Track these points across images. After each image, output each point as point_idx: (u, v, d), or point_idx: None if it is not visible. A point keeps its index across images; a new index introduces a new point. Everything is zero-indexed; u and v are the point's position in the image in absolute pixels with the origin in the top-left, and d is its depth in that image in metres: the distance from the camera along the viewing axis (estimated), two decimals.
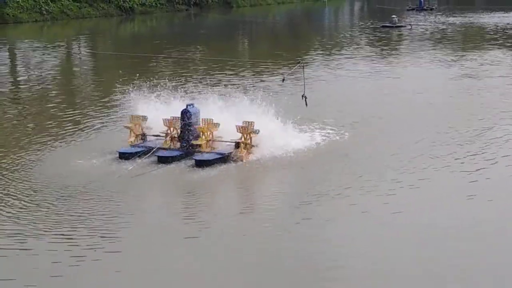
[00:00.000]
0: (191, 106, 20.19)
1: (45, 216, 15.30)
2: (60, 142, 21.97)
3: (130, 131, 20.71)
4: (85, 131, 23.52)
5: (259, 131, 19.54)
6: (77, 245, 13.72)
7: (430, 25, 66.09)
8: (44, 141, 21.96)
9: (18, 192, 16.87)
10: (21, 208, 15.81)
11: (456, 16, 76.94)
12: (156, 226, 14.91)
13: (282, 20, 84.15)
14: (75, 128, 23.95)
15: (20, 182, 17.66)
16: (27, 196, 16.58)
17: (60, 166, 19.04)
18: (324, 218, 15.13)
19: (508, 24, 65.40)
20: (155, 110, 21.25)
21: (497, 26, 63.40)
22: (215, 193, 17.66)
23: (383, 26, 62.90)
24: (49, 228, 14.60)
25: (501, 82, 32.66)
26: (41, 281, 12.37)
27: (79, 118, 25.53)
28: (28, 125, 24.76)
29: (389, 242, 13.91)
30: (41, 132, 23.30)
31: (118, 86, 27.48)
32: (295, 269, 12.71)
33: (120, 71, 30.87)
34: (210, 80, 31.19)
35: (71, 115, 26.12)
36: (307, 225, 14.82)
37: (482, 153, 20.01)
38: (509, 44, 49.00)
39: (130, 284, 12.33)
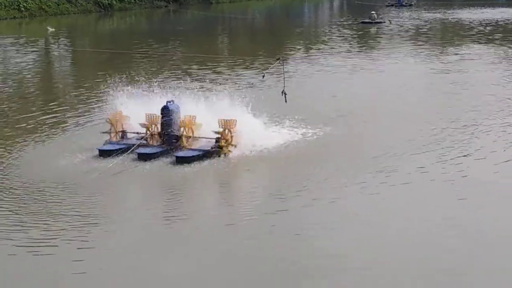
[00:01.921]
0: (171, 103, 20.15)
1: (25, 214, 15.22)
2: (39, 140, 21.83)
3: (110, 127, 20.62)
4: (64, 129, 23.40)
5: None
6: (56, 246, 13.65)
7: (409, 21, 66.40)
8: (22, 139, 21.80)
9: None
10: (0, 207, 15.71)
11: (434, 12, 77.39)
12: (136, 224, 14.87)
13: (261, 16, 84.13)
14: (54, 125, 23.80)
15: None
16: (7, 195, 16.46)
17: (40, 164, 18.93)
18: (304, 215, 15.16)
19: (485, 19, 65.84)
20: (135, 106, 21.15)
21: (475, 22, 63.81)
22: (196, 190, 17.65)
23: (362, 22, 63.08)
24: (28, 226, 14.52)
25: (480, 77, 32.86)
26: (19, 281, 12.31)
27: (58, 115, 25.38)
28: (6, 123, 24.56)
29: (369, 239, 13.97)
30: (19, 130, 23.14)
31: (97, 82, 27.37)
32: (274, 266, 12.73)
33: (108, 72, 30.62)
34: (189, 77, 31.13)
35: (49, 112, 25.95)
36: (287, 222, 14.84)
37: (462, 150, 20.10)
38: (486, 40, 49.33)
39: (107, 283, 12.28)
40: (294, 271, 12.51)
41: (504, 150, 20.07)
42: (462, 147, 20.25)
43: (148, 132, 20.27)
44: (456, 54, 41.80)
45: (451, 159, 19.10)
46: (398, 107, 25.96)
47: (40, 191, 16.71)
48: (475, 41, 48.89)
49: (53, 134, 22.70)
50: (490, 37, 51.19)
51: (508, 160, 19.10)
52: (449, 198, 16.22)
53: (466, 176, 17.74)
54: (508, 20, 65.59)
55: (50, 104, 27.73)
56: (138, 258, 13.11)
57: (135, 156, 19.26)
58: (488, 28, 58.44)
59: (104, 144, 20.19)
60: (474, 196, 16.35)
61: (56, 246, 13.61)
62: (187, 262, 12.92)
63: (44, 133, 22.70)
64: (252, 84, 30.46)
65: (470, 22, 63.96)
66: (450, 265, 12.66)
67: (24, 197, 16.36)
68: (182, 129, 19.94)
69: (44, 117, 25.09)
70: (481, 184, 17.13)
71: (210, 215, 15.65)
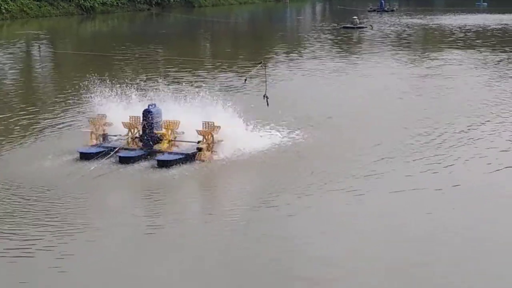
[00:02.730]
0: (153, 106, 20.09)
1: (5, 218, 15.07)
2: (19, 142, 21.67)
3: (91, 130, 20.53)
4: (44, 131, 23.25)
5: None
6: (33, 251, 13.52)
7: (390, 26, 66.74)
8: (3, 142, 21.64)
9: None
10: None
11: (416, 18, 77.84)
12: (116, 228, 14.76)
13: (244, 20, 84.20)
14: (34, 128, 23.66)
15: None
16: None
17: (19, 167, 18.77)
18: (285, 218, 15.16)
19: (466, 25, 66.28)
20: (116, 109, 21.08)
21: (456, 27, 64.24)
22: (177, 194, 17.57)
23: (344, 27, 63.30)
24: (5, 230, 14.37)
25: (461, 82, 33.06)
26: None
27: (38, 118, 25.23)
28: None
29: (349, 241, 13.99)
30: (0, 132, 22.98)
31: (78, 85, 27.21)
32: (256, 270, 12.71)
33: (89, 75, 30.43)
34: (171, 80, 31.08)
35: (29, 114, 25.79)
36: (268, 225, 14.81)
37: (444, 154, 20.20)
38: (467, 45, 49.64)
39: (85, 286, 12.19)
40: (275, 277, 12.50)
41: (491, 155, 20.12)
42: (446, 153, 20.26)
43: (129, 135, 20.20)
44: (438, 59, 42.03)
45: (437, 163, 19.17)
46: (379, 111, 26.06)
47: (18, 194, 16.56)
48: (456, 46, 49.19)
49: (32, 136, 22.54)
50: (471, 43, 51.55)
51: (495, 165, 19.13)
52: (435, 204, 16.22)
53: (454, 182, 17.78)
54: (489, 26, 66.05)
55: (30, 106, 27.57)
56: (118, 263, 13.02)
57: (116, 159, 19.17)
58: (469, 33, 58.85)
59: (85, 147, 20.07)
60: (463, 202, 16.33)
61: (33, 251, 13.43)
62: (167, 267, 12.84)
63: (23, 135, 22.53)
64: (234, 87, 30.44)
65: (451, 28, 64.39)
66: (438, 271, 12.66)
67: (1, 199, 16.18)
68: (163, 132, 19.88)
69: (23, 119, 24.93)
70: (470, 191, 17.07)
71: (190, 219, 15.58)
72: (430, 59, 41.89)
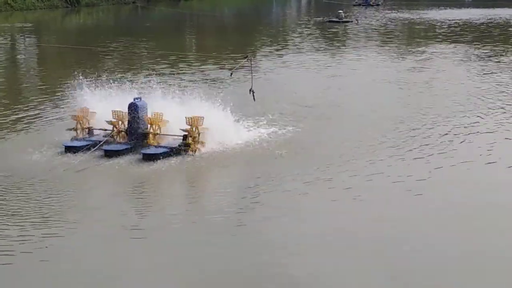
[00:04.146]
0: (138, 99, 20.04)
1: None
2: (3, 135, 21.58)
3: (77, 123, 20.46)
4: (29, 124, 23.14)
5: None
6: (16, 244, 13.47)
7: (376, 21, 66.83)
8: None
9: None
10: None
11: (401, 12, 77.98)
12: (101, 222, 14.72)
13: (229, 14, 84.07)
14: (19, 121, 23.55)
15: None
16: None
17: (2, 160, 18.71)
18: (269, 214, 15.14)
19: (451, 19, 66.47)
20: (101, 103, 21.01)
21: (441, 22, 64.44)
22: (162, 188, 17.57)
23: (329, 21, 63.31)
24: None
25: (446, 76, 33.16)
26: None
27: (23, 111, 25.11)
28: None
29: (334, 239, 14.04)
30: None
31: (63, 78, 27.13)
32: (240, 267, 12.72)
33: (74, 68, 30.25)
34: (156, 74, 30.99)
35: (15, 108, 25.68)
36: (253, 220, 14.85)
37: (430, 150, 20.25)
38: (452, 39, 49.79)
39: (67, 283, 12.12)
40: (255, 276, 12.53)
41: (476, 152, 20.15)
42: (433, 148, 20.27)
43: (115, 128, 20.14)
44: (423, 53, 42.17)
45: (422, 158, 19.24)
46: (366, 105, 26.04)
47: (3, 186, 16.50)
48: (441, 40, 49.36)
49: (17, 129, 22.45)
50: (456, 37, 51.70)
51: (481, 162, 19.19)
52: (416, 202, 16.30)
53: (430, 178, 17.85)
54: (474, 20, 66.26)
55: (14, 100, 27.46)
56: (100, 257, 12.99)
57: (102, 152, 19.12)
58: (454, 28, 59.01)
59: (70, 140, 20.01)
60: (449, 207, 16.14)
61: (16, 244, 13.40)
62: (151, 261, 12.83)
63: (8, 128, 22.45)
64: (220, 81, 30.41)
65: (436, 22, 64.59)
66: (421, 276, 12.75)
67: None
68: (149, 126, 19.85)
69: (7, 112, 24.83)
70: (456, 192, 16.83)
71: (175, 212, 15.55)
72: (415, 53, 42.00)
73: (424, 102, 26.68)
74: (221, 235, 13.99)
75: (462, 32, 55.39)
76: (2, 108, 25.68)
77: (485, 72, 34.62)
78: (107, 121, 20.20)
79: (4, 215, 14.79)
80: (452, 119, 23.61)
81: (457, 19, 66.86)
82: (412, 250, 13.25)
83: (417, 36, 54.98)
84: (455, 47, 45.39)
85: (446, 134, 21.70)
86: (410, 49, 44.68)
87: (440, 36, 52.45)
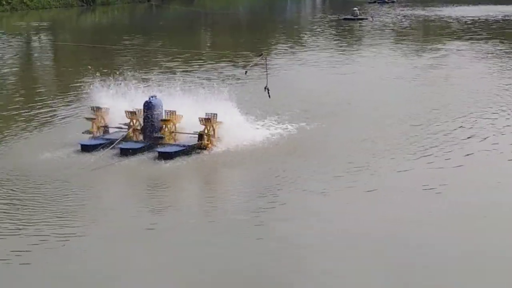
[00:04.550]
0: (154, 98, 20.04)
1: (6, 209, 15.06)
2: (21, 134, 21.64)
3: (92, 123, 20.51)
4: (46, 123, 23.22)
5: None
6: (34, 241, 13.52)
7: (391, 18, 66.59)
8: (4, 133, 21.62)
9: None
10: None
11: (416, 9, 77.63)
12: (117, 219, 14.74)
13: (244, 12, 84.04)
14: (36, 120, 23.63)
15: None
16: None
17: (21, 159, 18.76)
18: (284, 215, 15.07)
19: (466, 16, 66.09)
20: (117, 101, 21.03)
21: (457, 19, 64.09)
22: (178, 186, 17.55)
23: (345, 19, 63.17)
24: (8, 221, 14.38)
25: (463, 73, 32.98)
26: None
27: (40, 110, 25.18)
28: None
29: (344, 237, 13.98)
30: (1, 124, 22.92)
31: (79, 77, 27.21)
32: (253, 264, 12.70)
33: (89, 66, 30.29)
34: (172, 72, 31.01)
35: (32, 107, 25.75)
36: (267, 220, 14.76)
37: (446, 148, 20.12)
38: (468, 36, 49.50)
39: (86, 277, 12.18)
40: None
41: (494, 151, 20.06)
42: (449, 148, 20.13)
43: (130, 127, 20.15)
44: (439, 50, 41.94)
45: (435, 160, 19.12)
46: (383, 103, 25.85)
47: (21, 184, 16.56)
48: (458, 37, 49.03)
49: (33, 127, 22.52)
50: (472, 34, 51.38)
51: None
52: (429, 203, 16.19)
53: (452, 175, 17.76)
54: (489, 17, 65.83)
55: (31, 99, 27.53)
56: (115, 254, 13.01)
57: (118, 151, 19.14)
58: (469, 25, 58.66)
59: (87, 139, 20.05)
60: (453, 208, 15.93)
61: (34, 241, 13.45)
62: (166, 259, 12.82)
63: (26, 127, 22.50)
64: (235, 79, 30.38)
65: (451, 19, 64.21)
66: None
67: (5, 190, 16.18)
68: (164, 124, 19.84)
69: (25, 111, 24.90)
70: (464, 194, 16.57)
71: (192, 211, 15.56)
72: (432, 50, 41.77)
73: (443, 100, 26.45)
74: (238, 233, 13.95)
75: (477, 29, 55.04)
76: (19, 106, 25.78)
77: (503, 69, 34.40)
78: (126, 111, 20.16)
79: (20, 214, 14.82)
80: (475, 118, 23.41)
81: (473, 16, 66.45)
82: (416, 249, 13.16)
83: (432, 33, 54.69)
84: (472, 44, 45.12)
85: (469, 137, 21.29)
86: (425, 46, 44.47)
87: (456, 33, 52.13)
